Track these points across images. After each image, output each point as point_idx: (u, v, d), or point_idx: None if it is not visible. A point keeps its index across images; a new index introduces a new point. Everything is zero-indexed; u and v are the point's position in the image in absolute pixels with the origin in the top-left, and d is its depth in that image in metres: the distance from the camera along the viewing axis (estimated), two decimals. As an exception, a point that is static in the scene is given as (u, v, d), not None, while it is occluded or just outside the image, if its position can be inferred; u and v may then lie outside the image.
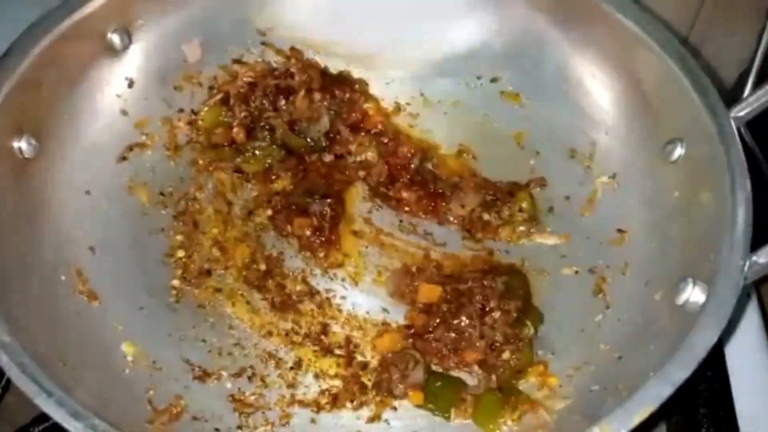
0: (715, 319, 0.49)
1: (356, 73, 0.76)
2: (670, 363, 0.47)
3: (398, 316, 0.65)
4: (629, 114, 0.69)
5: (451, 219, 0.70)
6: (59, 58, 0.63)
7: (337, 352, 0.64)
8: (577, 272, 0.66)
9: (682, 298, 0.54)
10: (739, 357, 0.67)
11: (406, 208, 0.71)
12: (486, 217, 0.70)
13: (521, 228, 0.69)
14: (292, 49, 0.75)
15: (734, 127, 0.58)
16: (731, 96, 0.64)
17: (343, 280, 0.67)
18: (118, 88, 0.69)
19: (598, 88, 0.71)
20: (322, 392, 0.61)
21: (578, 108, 0.72)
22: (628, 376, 0.53)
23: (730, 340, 0.68)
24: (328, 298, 0.66)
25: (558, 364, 0.61)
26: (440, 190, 0.71)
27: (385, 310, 0.66)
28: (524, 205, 0.70)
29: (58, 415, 0.44)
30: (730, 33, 0.81)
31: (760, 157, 0.76)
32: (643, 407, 0.45)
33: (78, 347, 0.57)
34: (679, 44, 0.64)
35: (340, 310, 0.66)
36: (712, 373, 0.67)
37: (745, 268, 0.51)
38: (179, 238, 0.67)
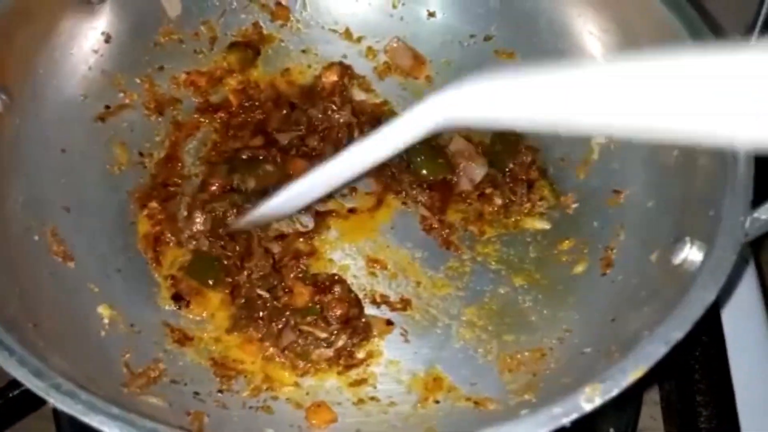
0: (713, 278, 0.47)
1: (344, 33, 0.74)
2: (666, 322, 0.45)
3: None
4: (627, 72, 0.66)
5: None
6: (32, 10, 0.59)
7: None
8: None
9: (679, 258, 0.51)
10: (736, 323, 0.66)
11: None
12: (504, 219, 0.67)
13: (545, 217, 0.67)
14: (278, 4, 0.73)
15: (736, 81, 0.56)
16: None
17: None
18: (94, 43, 0.66)
19: (595, 46, 0.68)
20: (306, 355, 0.59)
21: (575, 66, 0.69)
22: (621, 338, 0.51)
23: (727, 306, 0.67)
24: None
25: (549, 327, 0.59)
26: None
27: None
28: (545, 192, 0.67)
29: (20, 374, 0.42)
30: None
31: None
32: (636, 367, 0.43)
33: (51, 309, 0.54)
34: (680, -1, 0.61)
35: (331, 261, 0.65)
36: (708, 339, 0.65)
37: (746, 225, 0.49)
38: (157, 199, 0.65)
